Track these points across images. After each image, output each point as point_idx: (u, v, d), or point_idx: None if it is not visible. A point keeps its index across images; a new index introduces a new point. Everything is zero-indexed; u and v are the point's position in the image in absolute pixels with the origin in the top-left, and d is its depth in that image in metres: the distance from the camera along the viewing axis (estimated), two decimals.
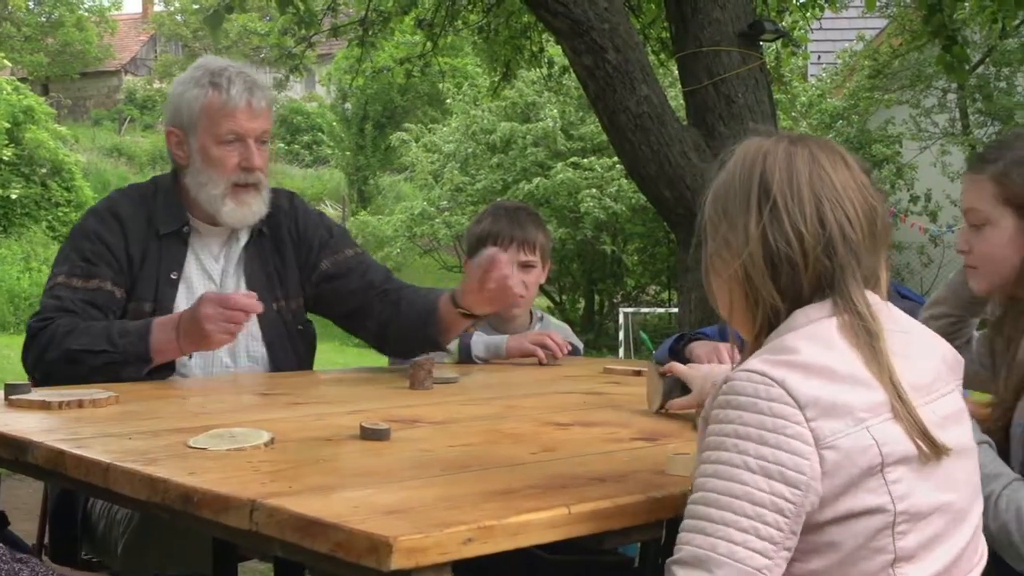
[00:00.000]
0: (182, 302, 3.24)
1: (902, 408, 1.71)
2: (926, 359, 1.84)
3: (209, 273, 3.35)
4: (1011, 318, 2.59)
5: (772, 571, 1.64)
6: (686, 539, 1.66)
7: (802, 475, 1.64)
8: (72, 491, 3.02)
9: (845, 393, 1.69)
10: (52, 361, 3.03)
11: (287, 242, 3.45)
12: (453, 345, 3.70)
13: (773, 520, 1.64)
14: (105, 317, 3.16)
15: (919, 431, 1.72)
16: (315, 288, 3.47)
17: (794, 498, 1.64)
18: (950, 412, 1.82)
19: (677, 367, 2.61)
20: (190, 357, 3.19)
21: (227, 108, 3.24)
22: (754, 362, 1.72)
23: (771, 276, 1.79)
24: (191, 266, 3.33)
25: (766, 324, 1.82)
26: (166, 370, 3.16)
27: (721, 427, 1.70)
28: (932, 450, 1.73)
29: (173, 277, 3.27)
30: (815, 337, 1.75)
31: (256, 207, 3.32)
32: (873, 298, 1.82)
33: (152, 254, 3.27)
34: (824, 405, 1.66)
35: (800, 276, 1.79)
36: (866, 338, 1.74)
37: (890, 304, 1.88)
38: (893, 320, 1.83)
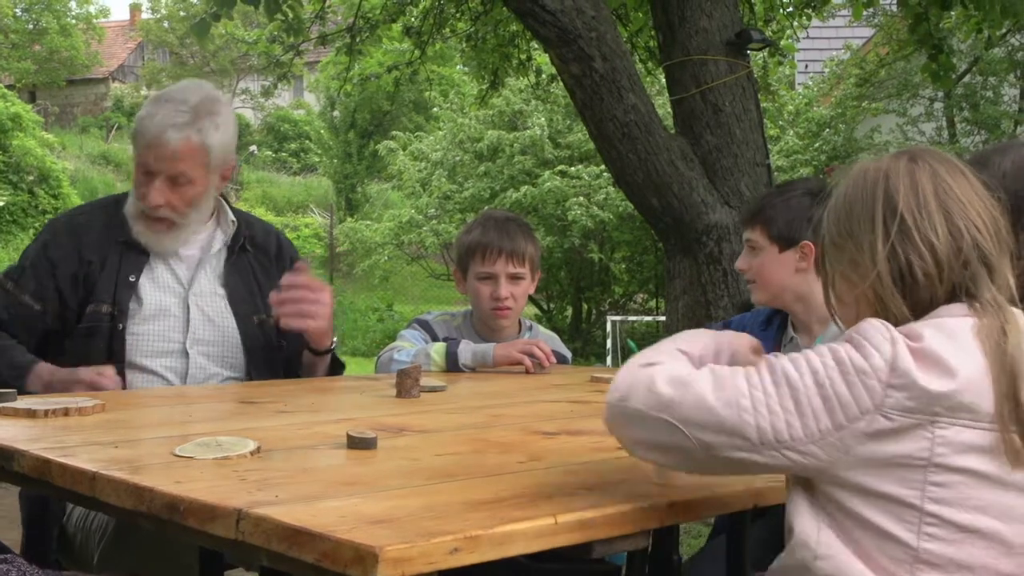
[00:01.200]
0: (136, 304, 3.30)
1: (1011, 412, 1.73)
2: None
3: (178, 276, 3.40)
4: None
5: (759, 451, 1.73)
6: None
7: (845, 420, 1.71)
8: (45, 498, 3.04)
9: (937, 383, 1.71)
10: None
11: (271, 266, 3.51)
12: (440, 353, 3.70)
13: (788, 421, 1.72)
14: (6, 328, 3.28)
15: (1019, 440, 1.73)
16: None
17: (822, 427, 1.71)
18: None
19: None
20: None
21: (144, 137, 3.28)
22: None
23: (901, 292, 1.84)
24: (157, 270, 3.37)
25: None
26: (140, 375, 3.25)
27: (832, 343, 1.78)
28: (1020, 462, 1.74)
29: (131, 280, 3.31)
30: (942, 328, 1.77)
31: (168, 241, 3.37)
32: (1006, 305, 1.83)
33: (112, 259, 3.32)
34: (910, 381, 1.70)
35: (934, 288, 1.83)
36: (997, 341, 1.76)
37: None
38: None
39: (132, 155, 3.37)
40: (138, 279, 3.31)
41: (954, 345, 1.74)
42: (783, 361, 1.76)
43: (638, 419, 1.79)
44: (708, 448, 1.75)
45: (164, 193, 3.27)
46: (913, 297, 1.84)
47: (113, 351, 3.24)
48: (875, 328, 1.75)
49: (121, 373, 3.21)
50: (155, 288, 3.34)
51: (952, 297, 1.83)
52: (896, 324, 1.80)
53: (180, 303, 3.35)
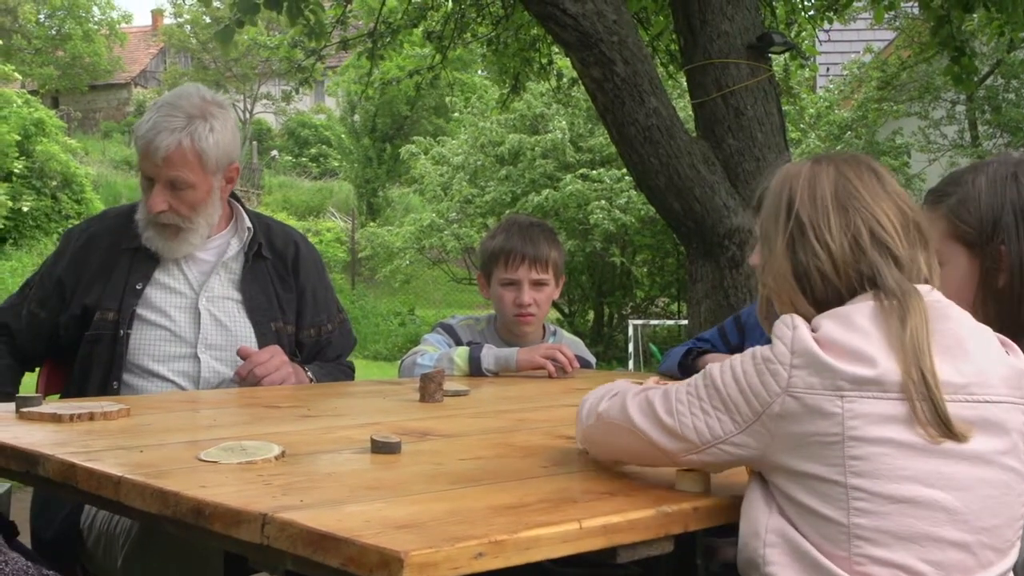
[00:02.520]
0: (144, 310, 3.34)
1: (919, 383, 1.78)
2: (970, 362, 1.86)
3: (189, 282, 3.43)
4: None
5: (705, 451, 1.87)
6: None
7: (759, 406, 1.82)
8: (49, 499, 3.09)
9: (839, 361, 1.78)
10: None
11: (288, 277, 3.53)
12: (463, 358, 3.70)
13: (719, 418, 1.86)
14: (9, 332, 3.43)
15: (931, 409, 1.77)
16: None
17: (744, 417, 1.83)
18: (985, 419, 1.83)
19: None
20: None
21: (139, 144, 3.33)
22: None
23: (802, 290, 1.95)
24: (166, 277, 3.41)
25: None
26: (145, 377, 3.31)
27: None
28: (941, 430, 1.78)
29: (138, 288, 3.35)
30: (838, 315, 1.86)
31: (176, 245, 3.40)
32: (911, 287, 1.89)
33: (121, 267, 3.38)
34: (811, 359, 1.79)
35: (834, 285, 1.93)
36: (896, 318, 1.83)
37: (952, 305, 1.94)
38: (943, 316, 1.90)
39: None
40: (145, 286, 3.34)
41: (849, 328, 1.82)
42: (713, 366, 1.90)
43: (614, 431, 2.00)
44: (669, 454, 1.92)
45: (165, 199, 3.30)
46: (815, 294, 1.94)
47: (115, 357, 3.27)
48: (781, 321, 1.86)
49: (118, 379, 3.28)
50: (164, 294, 3.36)
51: (856, 291, 1.92)
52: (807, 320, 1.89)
53: (190, 308, 3.37)
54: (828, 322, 1.84)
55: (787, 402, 1.79)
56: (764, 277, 2.04)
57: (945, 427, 1.78)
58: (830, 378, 1.77)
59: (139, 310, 3.32)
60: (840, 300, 1.91)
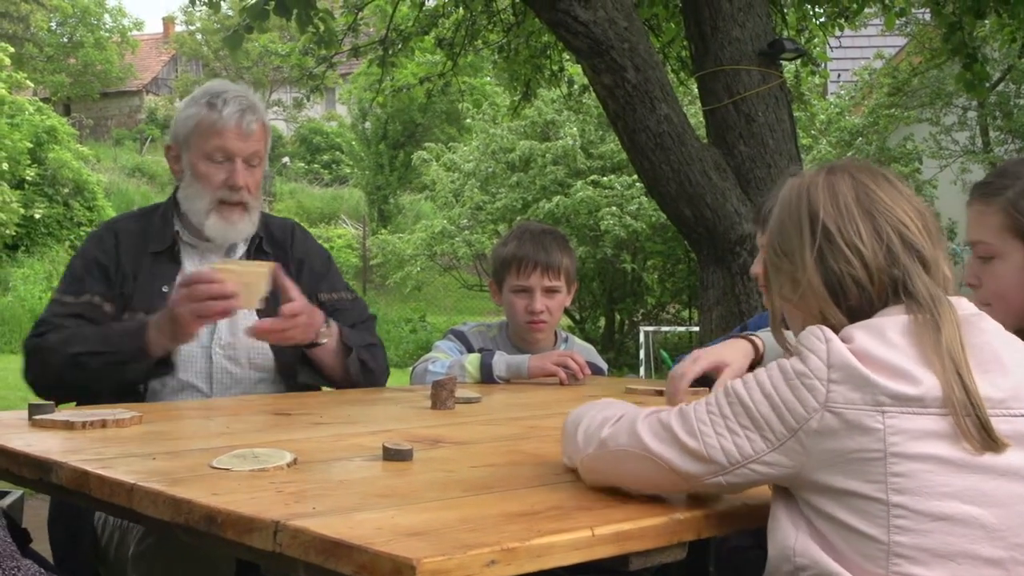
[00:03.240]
0: None
1: (960, 391, 1.75)
2: (1007, 375, 1.83)
3: None
4: None
5: (732, 473, 1.81)
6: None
7: (795, 422, 1.76)
8: (63, 505, 3.08)
9: (878, 376, 1.74)
10: (57, 368, 3.19)
11: (290, 264, 3.52)
12: (474, 365, 3.70)
13: (748, 436, 1.80)
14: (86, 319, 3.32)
15: (974, 416, 1.75)
16: None
17: (777, 435, 1.78)
18: (1022, 433, 1.81)
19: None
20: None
21: (216, 127, 3.39)
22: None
23: (835, 300, 1.89)
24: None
25: None
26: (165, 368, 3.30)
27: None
28: (984, 442, 1.75)
29: (164, 291, 3.34)
30: (870, 327, 1.82)
31: (242, 226, 3.45)
32: (941, 296, 1.87)
33: (146, 269, 3.40)
34: (850, 372, 1.74)
35: (868, 291, 1.88)
36: (932, 331, 1.80)
37: (984, 316, 1.92)
38: (977, 329, 1.87)
39: (188, 151, 3.44)
40: (171, 289, 3.34)
41: (884, 342, 1.78)
42: (735, 382, 1.83)
43: (624, 458, 1.90)
44: (691, 479, 1.84)
45: (244, 175, 3.40)
46: (848, 302, 1.90)
47: None
48: (810, 333, 1.81)
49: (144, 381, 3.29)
50: None
51: (888, 298, 1.88)
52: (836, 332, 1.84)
53: None
54: (861, 334, 1.80)
55: (826, 418, 1.75)
56: (784, 291, 1.99)
57: (990, 439, 1.75)
58: (871, 393, 1.73)
59: None
60: (872, 308, 1.88)
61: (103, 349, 3.17)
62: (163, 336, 3.17)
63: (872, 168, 1.99)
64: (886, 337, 1.79)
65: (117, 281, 3.38)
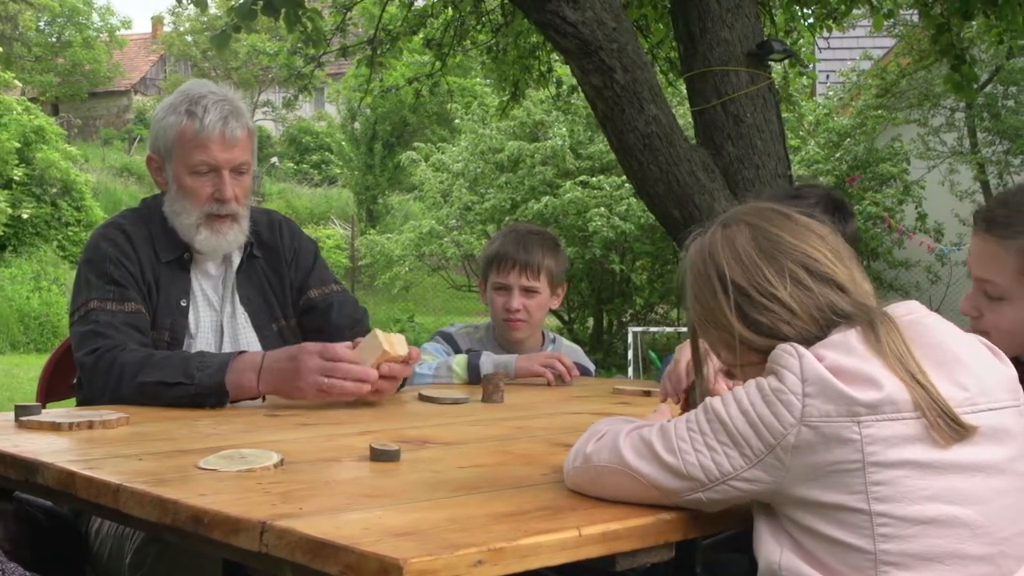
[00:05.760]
0: (185, 328, 3.29)
1: (918, 389, 1.77)
2: (969, 373, 1.86)
3: (210, 301, 3.39)
4: None
5: (712, 489, 1.82)
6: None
7: (772, 438, 1.77)
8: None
9: (850, 386, 1.76)
10: (126, 395, 3.01)
11: (281, 262, 3.48)
12: (462, 366, 3.71)
13: (727, 453, 1.81)
14: (146, 340, 3.17)
15: (939, 410, 1.77)
16: (298, 313, 3.50)
17: (755, 450, 1.79)
18: (993, 427, 1.84)
19: None
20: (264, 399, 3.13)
21: (200, 138, 3.25)
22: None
23: (773, 346, 1.89)
24: (198, 293, 3.37)
25: None
26: None
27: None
28: (954, 432, 1.77)
29: (183, 304, 3.30)
30: (834, 344, 1.84)
31: (232, 237, 3.33)
32: (872, 307, 1.91)
33: (163, 280, 3.30)
34: (825, 386, 1.76)
35: (802, 328, 1.90)
36: (874, 340, 1.82)
37: (932, 315, 1.94)
38: (928, 329, 1.90)
39: (172, 163, 3.32)
40: (188, 303, 3.31)
41: (850, 353, 1.81)
42: (714, 400, 1.85)
43: (606, 473, 1.92)
44: (670, 494, 1.86)
45: (232, 186, 3.29)
46: (794, 340, 1.89)
47: None
48: (783, 350, 1.83)
49: None
50: (198, 311, 3.33)
51: (825, 325, 1.90)
52: None
53: (215, 325, 3.36)
54: (827, 351, 1.83)
55: (803, 432, 1.76)
56: (727, 360, 2.02)
57: (959, 427, 1.78)
58: (845, 404, 1.75)
59: (187, 329, 3.29)
60: (816, 339, 1.89)
61: (180, 380, 2.99)
62: (265, 384, 3.01)
63: (766, 211, 2.01)
64: (851, 347, 1.82)
65: (144, 290, 3.25)
